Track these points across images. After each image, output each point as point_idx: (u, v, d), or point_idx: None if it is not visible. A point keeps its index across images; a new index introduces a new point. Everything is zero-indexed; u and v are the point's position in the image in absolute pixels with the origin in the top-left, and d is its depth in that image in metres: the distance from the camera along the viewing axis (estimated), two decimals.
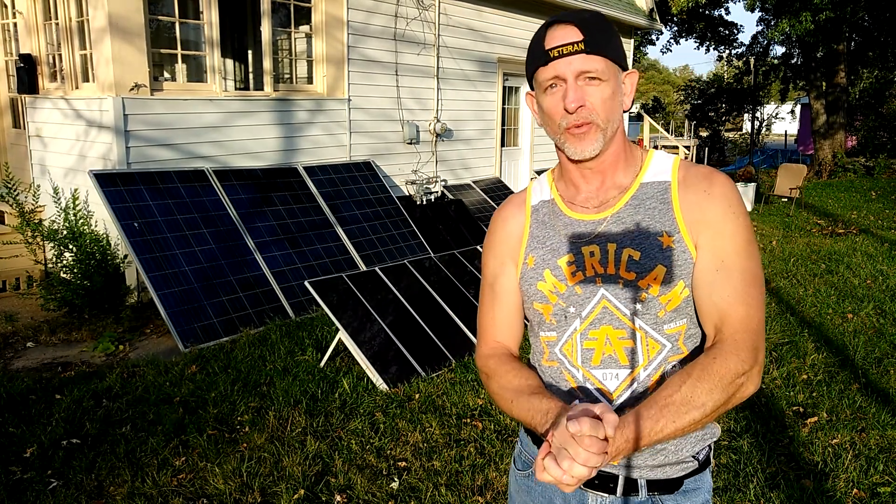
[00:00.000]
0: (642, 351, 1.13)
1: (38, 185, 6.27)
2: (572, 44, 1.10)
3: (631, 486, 1.16)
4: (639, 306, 1.13)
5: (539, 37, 1.14)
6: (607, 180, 1.20)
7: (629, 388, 1.14)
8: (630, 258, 1.13)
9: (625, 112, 1.20)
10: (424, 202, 8.00)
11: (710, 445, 1.21)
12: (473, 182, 8.98)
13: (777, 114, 28.15)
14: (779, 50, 25.44)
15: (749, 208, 11.06)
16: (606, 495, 1.17)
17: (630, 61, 12.25)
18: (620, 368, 1.14)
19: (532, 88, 1.21)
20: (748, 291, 1.09)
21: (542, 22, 1.21)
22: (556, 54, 1.11)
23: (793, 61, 19.70)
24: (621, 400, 1.14)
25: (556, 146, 1.19)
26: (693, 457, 1.17)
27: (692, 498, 1.18)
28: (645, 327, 1.13)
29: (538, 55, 1.14)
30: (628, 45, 12.13)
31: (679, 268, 1.11)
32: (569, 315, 1.18)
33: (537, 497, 1.27)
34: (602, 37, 1.11)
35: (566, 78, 1.11)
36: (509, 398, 1.20)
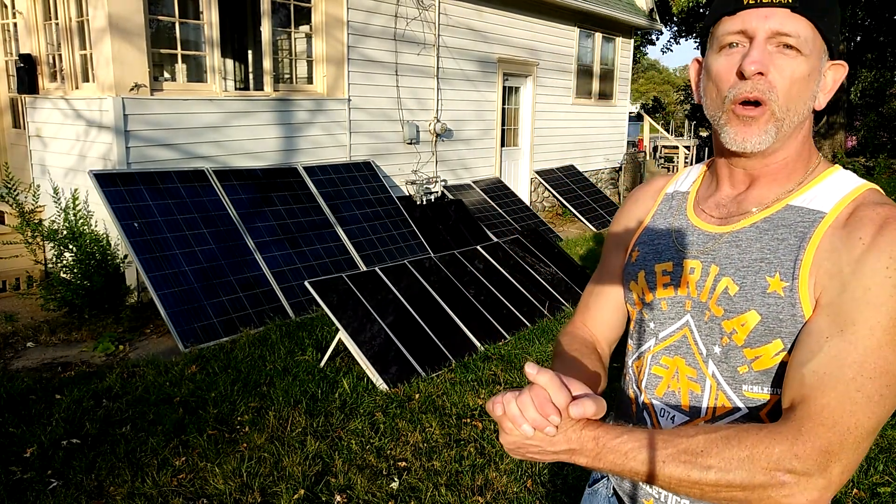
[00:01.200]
0: (708, 402, 0.93)
1: (38, 185, 6.27)
2: None
3: None
4: (717, 350, 0.92)
5: None
6: (755, 190, 0.95)
7: None
8: (726, 290, 0.91)
9: (815, 112, 0.93)
10: (424, 202, 8.00)
11: None
12: (473, 182, 8.98)
13: None
14: None
15: None
16: None
17: (630, 61, 12.25)
18: (679, 412, 0.97)
19: (703, 53, 0.95)
20: (860, 381, 0.77)
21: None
22: (752, 1, 0.85)
23: None
24: None
25: (713, 131, 0.95)
26: None
27: None
28: (718, 377, 0.92)
29: (726, 1, 0.89)
30: (628, 45, 12.14)
31: (781, 323, 0.86)
32: (647, 330, 1.02)
33: None
34: (821, 1, 0.85)
35: (755, 35, 0.85)
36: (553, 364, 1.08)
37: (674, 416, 0.97)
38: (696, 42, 24.57)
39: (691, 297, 0.96)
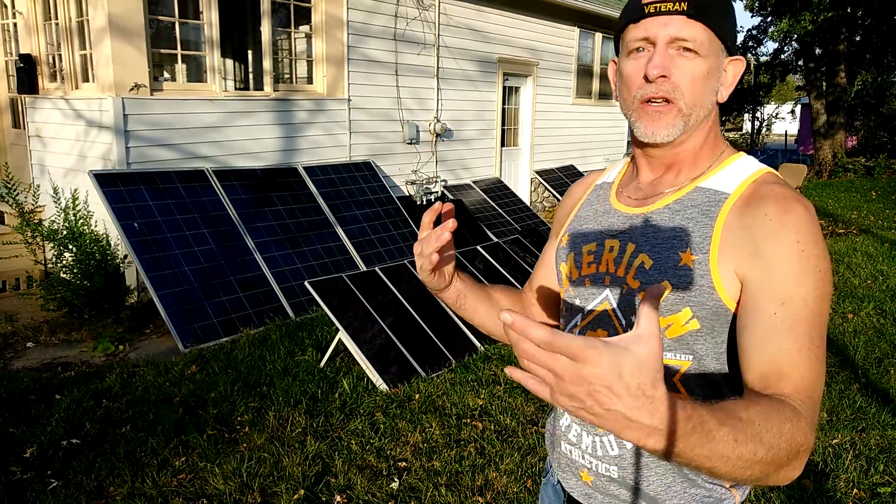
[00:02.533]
0: None
1: (38, 186, 6.26)
2: (674, 2, 0.93)
3: None
4: (634, 320, 0.96)
5: None
6: (669, 174, 1.05)
7: None
8: (641, 265, 1.00)
9: (719, 104, 1.03)
10: (424, 202, 8.00)
11: None
12: (473, 182, 8.98)
13: (777, 114, 28.15)
14: (771, 46, 25.42)
15: None
16: None
17: None
18: None
19: (617, 54, 1.05)
20: (814, 352, 0.86)
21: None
22: (652, 10, 0.94)
23: (783, 57, 19.74)
24: None
25: (630, 126, 1.04)
26: None
27: None
28: None
29: (631, 9, 0.98)
30: None
31: (690, 293, 0.94)
32: (574, 307, 1.10)
33: None
34: (714, 4, 0.94)
35: (656, 40, 0.95)
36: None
37: None
38: None
39: (610, 272, 1.04)
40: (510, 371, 0.66)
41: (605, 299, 1.04)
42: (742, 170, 1.00)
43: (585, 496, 1.10)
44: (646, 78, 0.95)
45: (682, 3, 0.93)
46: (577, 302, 1.09)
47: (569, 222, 1.18)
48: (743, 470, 0.74)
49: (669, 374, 0.97)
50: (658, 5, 0.94)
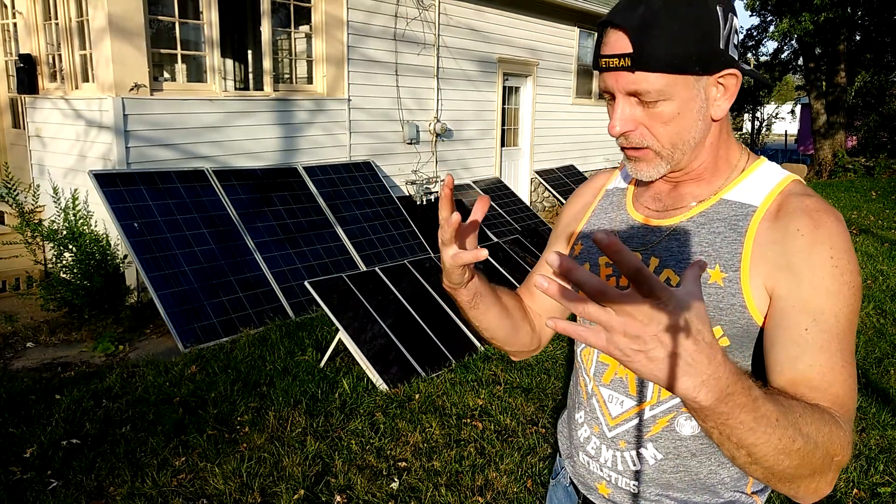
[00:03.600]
0: (653, 387, 0.98)
1: (38, 185, 6.26)
2: (618, 57, 0.89)
3: None
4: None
5: (598, 36, 0.95)
6: (688, 185, 1.01)
7: (629, 421, 1.01)
8: (667, 281, 0.95)
9: (714, 122, 0.96)
10: (424, 202, 8.00)
11: None
12: (473, 182, 8.98)
13: (777, 114, 28.14)
14: (771, 46, 25.41)
15: None
16: None
17: None
18: (627, 397, 1.01)
19: None
20: (847, 369, 0.84)
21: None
22: (603, 65, 0.92)
23: (782, 56, 19.76)
24: (617, 431, 1.02)
25: None
26: None
27: None
28: None
29: (594, 57, 0.96)
30: None
31: (720, 312, 0.91)
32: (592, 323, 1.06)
33: None
34: (659, 44, 0.86)
35: (615, 94, 0.93)
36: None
37: (622, 402, 1.02)
38: None
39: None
40: (555, 323, 0.64)
41: None
42: (767, 179, 0.96)
43: (604, 501, 1.09)
44: (611, 133, 0.95)
45: (626, 59, 0.88)
46: None
47: (581, 229, 1.13)
48: (779, 456, 0.71)
49: None
50: (607, 61, 0.90)
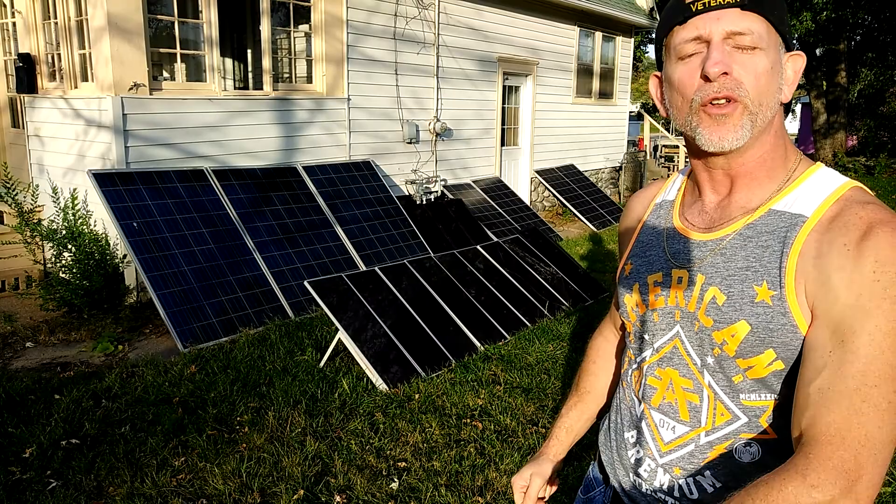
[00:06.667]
0: (707, 413, 0.93)
1: (37, 185, 6.26)
2: None
3: None
4: (710, 360, 0.91)
5: None
6: (737, 193, 0.94)
7: (683, 447, 0.95)
8: (713, 300, 0.90)
9: (783, 105, 0.91)
10: (424, 202, 8.00)
11: None
12: (473, 182, 8.97)
13: None
14: None
15: None
16: None
17: (630, 60, 12.24)
18: (678, 423, 0.96)
19: (659, 68, 0.96)
20: (865, 391, 0.75)
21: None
22: (701, 7, 0.85)
23: None
24: (670, 457, 0.97)
25: (686, 138, 0.94)
26: None
27: None
28: (715, 387, 0.92)
29: (676, 10, 0.89)
30: (628, 45, 12.13)
31: (772, 333, 0.85)
32: (644, 342, 1.02)
33: None
34: None
35: (711, 38, 0.85)
36: (571, 388, 1.27)
37: (674, 427, 0.97)
38: None
39: (679, 307, 0.95)
40: None
41: (675, 336, 0.96)
42: (822, 186, 0.88)
43: None
44: (705, 78, 0.86)
45: None
46: (647, 337, 1.02)
47: (631, 245, 1.10)
48: None
49: (755, 414, 0.90)
50: (707, 1, 0.85)
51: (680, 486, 0.96)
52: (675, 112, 0.93)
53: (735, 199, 0.94)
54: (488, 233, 7.82)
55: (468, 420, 3.54)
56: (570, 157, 10.96)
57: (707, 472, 0.94)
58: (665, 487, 0.99)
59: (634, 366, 1.05)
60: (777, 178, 0.92)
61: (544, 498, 1.20)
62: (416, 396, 3.79)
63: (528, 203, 9.99)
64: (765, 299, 0.86)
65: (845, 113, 16.77)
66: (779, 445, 0.89)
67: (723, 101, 0.86)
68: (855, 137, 18.87)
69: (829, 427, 0.76)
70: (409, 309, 4.51)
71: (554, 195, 10.08)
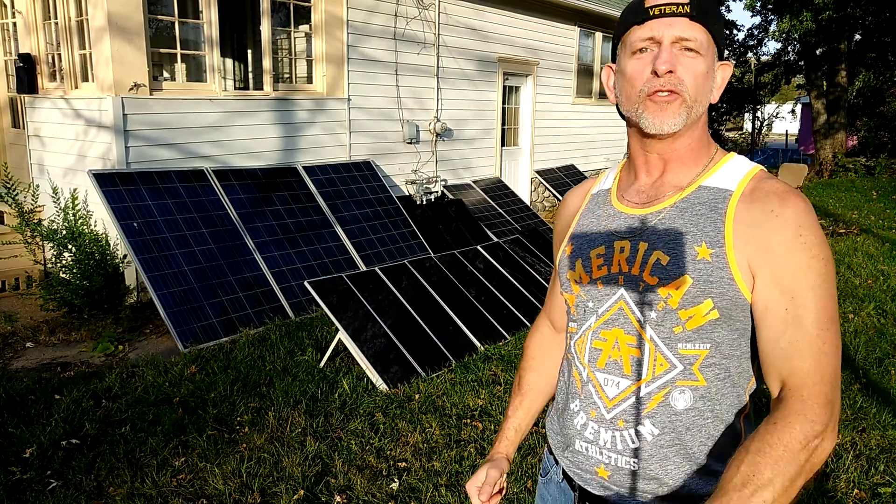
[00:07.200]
0: (648, 364, 1.05)
1: (38, 185, 6.26)
2: (678, 4, 1.01)
3: None
4: (653, 315, 1.04)
5: None
6: (668, 174, 1.11)
7: (626, 400, 1.07)
8: (658, 262, 1.05)
9: (711, 104, 1.10)
10: (424, 202, 8.00)
11: None
12: (473, 182, 8.97)
13: (777, 113, 28.12)
14: (772, 46, 25.40)
15: None
16: None
17: None
18: (622, 377, 1.08)
19: (613, 60, 1.12)
20: (822, 336, 0.95)
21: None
22: (657, 12, 1.02)
23: (786, 58, 19.74)
24: (616, 411, 1.08)
25: (629, 123, 1.10)
26: None
27: None
28: (656, 340, 1.05)
29: (635, 12, 1.05)
30: None
31: (711, 286, 1.00)
32: (588, 310, 1.14)
33: None
34: (711, 9, 1.03)
35: (662, 40, 1.02)
36: (513, 388, 1.35)
37: (618, 382, 1.09)
38: None
39: (623, 272, 1.09)
40: None
41: (619, 298, 1.09)
42: (738, 168, 1.08)
43: (602, 488, 1.13)
44: (654, 73, 1.02)
45: (686, 7, 1.01)
46: (591, 304, 1.13)
47: (572, 231, 1.22)
48: (784, 496, 0.89)
49: (689, 362, 1.03)
50: (663, 7, 1.01)
51: (623, 437, 1.08)
52: (623, 99, 1.08)
53: (667, 179, 1.11)
54: (488, 233, 7.82)
55: (468, 420, 3.54)
56: (570, 158, 10.96)
57: (646, 421, 1.06)
58: (609, 444, 1.10)
59: (578, 336, 1.16)
60: (701, 163, 1.10)
61: (502, 491, 1.27)
62: (417, 396, 3.79)
63: (529, 203, 9.99)
64: (705, 257, 1.01)
65: (845, 113, 16.76)
66: (707, 392, 1.04)
67: (666, 93, 1.02)
68: (855, 137, 18.85)
69: (810, 372, 0.95)
70: (409, 309, 4.51)
71: (554, 195, 10.08)
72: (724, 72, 1.09)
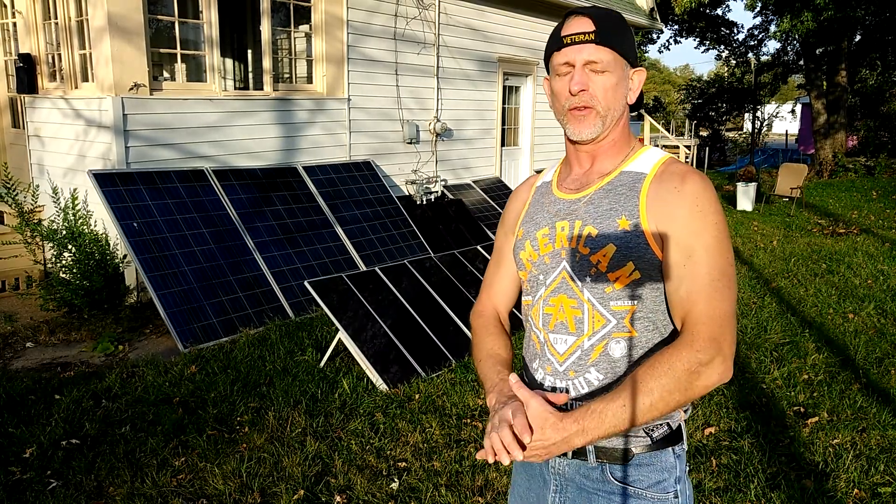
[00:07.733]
0: (588, 321, 1.25)
1: (38, 185, 6.26)
2: (584, 34, 1.22)
3: (580, 451, 1.26)
4: (588, 279, 1.25)
5: (559, 25, 1.28)
6: (596, 165, 1.32)
7: (574, 353, 1.27)
8: (589, 235, 1.25)
9: (629, 105, 1.31)
10: (424, 202, 8.00)
11: (668, 425, 1.26)
12: (473, 182, 8.97)
13: (777, 113, 28.10)
14: (772, 46, 25.34)
15: (749, 208, 11.05)
16: (562, 458, 1.31)
17: None
18: (569, 335, 1.27)
19: (549, 73, 1.33)
20: (713, 285, 1.16)
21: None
22: (569, 41, 1.23)
23: (786, 58, 19.73)
24: (566, 364, 1.27)
25: (563, 129, 1.33)
26: (645, 431, 1.24)
27: (644, 473, 1.25)
28: (592, 300, 1.25)
29: (555, 40, 1.27)
30: None
31: (631, 250, 1.21)
32: (538, 282, 1.33)
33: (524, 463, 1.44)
34: (614, 32, 1.24)
35: (574, 64, 1.23)
36: (479, 358, 1.45)
37: (566, 339, 1.28)
38: (696, 41, 24.52)
39: (564, 247, 1.29)
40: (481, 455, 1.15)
41: (562, 269, 1.29)
42: (652, 157, 1.30)
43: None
44: (570, 92, 1.24)
45: (590, 35, 1.22)
46: (541, 277, 1.33)
47: (521, 220, 1.43)
48: (656, 408, 1.12)
49: (621, 317, 1.23)
50: (573, 37, 1.23)
51: (575, 385, 1.27)
52: (554, 110, 1.31)
53: (595, 168, 1.33)
54: (488, 233, 7.82)
55: (468, 420, 3.54)
56: None
57: (592, 370, 1.25)
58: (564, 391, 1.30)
59: (533, 306, 1.35)
60: (623, 154, 1.32)
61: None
62: (417, 396, 3.79)
63: None
64: (625, 228, 1.22)
65: (845, 113, 16.76)
66: (639, 341, 1.23)
67: (582, 108, 1.24)
68: (855, 137, 18.85)
69: (700, 314, 1.15)
70: (410, 309, 4.51)
71: None
72: (640, 76, 1.30)
